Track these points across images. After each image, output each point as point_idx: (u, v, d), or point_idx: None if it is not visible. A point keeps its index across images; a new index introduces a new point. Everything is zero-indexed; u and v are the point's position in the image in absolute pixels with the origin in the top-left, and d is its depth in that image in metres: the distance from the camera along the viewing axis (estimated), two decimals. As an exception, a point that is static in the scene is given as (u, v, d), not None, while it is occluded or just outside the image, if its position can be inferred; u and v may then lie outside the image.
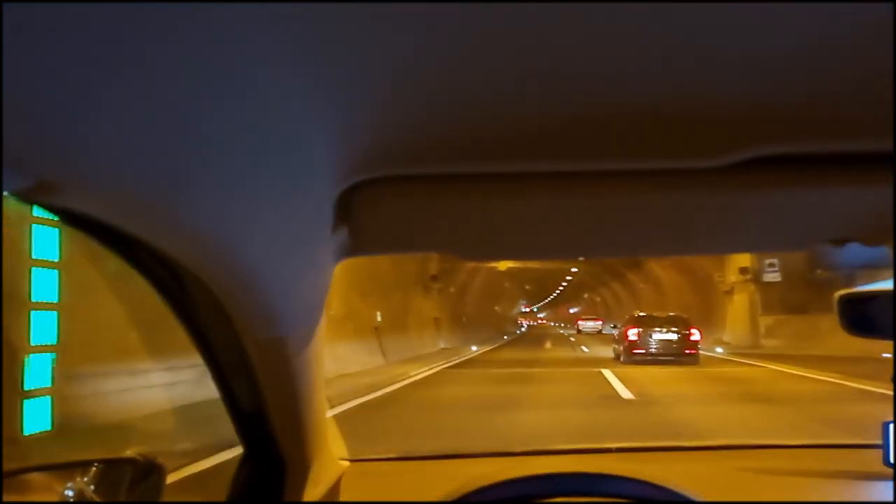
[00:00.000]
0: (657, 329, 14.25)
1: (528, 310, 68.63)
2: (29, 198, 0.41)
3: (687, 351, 14.05)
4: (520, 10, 0.42)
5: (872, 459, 1.14)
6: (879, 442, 1.12)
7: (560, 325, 60.92)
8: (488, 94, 0.52)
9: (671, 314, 14.99)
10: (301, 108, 0.50)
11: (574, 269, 37.97)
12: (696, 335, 14.17)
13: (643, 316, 15.04)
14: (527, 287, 50.72)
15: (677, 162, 0.65)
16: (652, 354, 14.12)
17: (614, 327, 16.31)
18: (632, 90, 0.52)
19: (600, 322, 41.13)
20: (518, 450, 1.58)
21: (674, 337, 14.22)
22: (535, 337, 33.67)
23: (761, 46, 0.47)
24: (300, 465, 0.92)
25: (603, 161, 0.66)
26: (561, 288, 55.02)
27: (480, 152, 0.62)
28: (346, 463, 1.17)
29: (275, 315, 0.69)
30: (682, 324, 14.40)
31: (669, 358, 13.92)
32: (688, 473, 1.15)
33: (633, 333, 14.31)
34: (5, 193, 0.40)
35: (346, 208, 0.69)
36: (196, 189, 0.47)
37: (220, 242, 0.54)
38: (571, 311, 75.00)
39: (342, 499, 1.08)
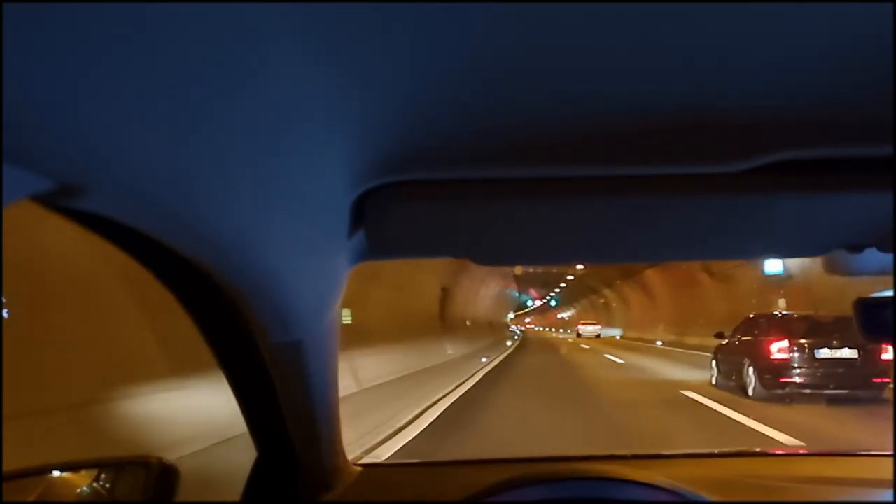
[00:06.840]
0: (823, 342, 8.17)
1: (533, 297, 63.66)
2: (49, 201, 0.40)
3: (875, 380, 8.04)
4: (541, 16, 0.42)
5: (885, 469, 1.17)
6: (891, 452, 1.22)
7: (552, 330, 57.25)
8: (506, 99, 0.52)
9: (839, 315, 8.75)
10: (319, 113, 0.51)
11: (580, 267, 33.90)
12: (889, 352, 8.10)
13: (790, 317, 8.90)
14: (518, 289, 45.72)
15: (696, 167, 0.65)
16: (814, 386, 8.09)
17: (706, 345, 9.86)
18: (651, 96, 0.53)
19: (599, 326, 39.09)
20: (533, 456, 1.46)
21: (852, 356, 8.16)
22: (543, 343, 27.91)
23: (779, 51, 0.47)
24: (314, 469, 0.94)
25: (621, 166, 0.65)
26: (556, 291, 50.62)
27: (497, 157, 0.63)
28: (360, 467, 1.16)
29: (290, 319, 0.70)
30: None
31: (842, 392, 7.93)
32: (698, 478, 1.11)
33: (779, 349, 8.21)
34: (24, 196, 0.37)
35: (362, 212, 0.69)
36: (214, 191, 0.47)
37: (236, 245, 0.54)
38: (559, 316, 71.92)
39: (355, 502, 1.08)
